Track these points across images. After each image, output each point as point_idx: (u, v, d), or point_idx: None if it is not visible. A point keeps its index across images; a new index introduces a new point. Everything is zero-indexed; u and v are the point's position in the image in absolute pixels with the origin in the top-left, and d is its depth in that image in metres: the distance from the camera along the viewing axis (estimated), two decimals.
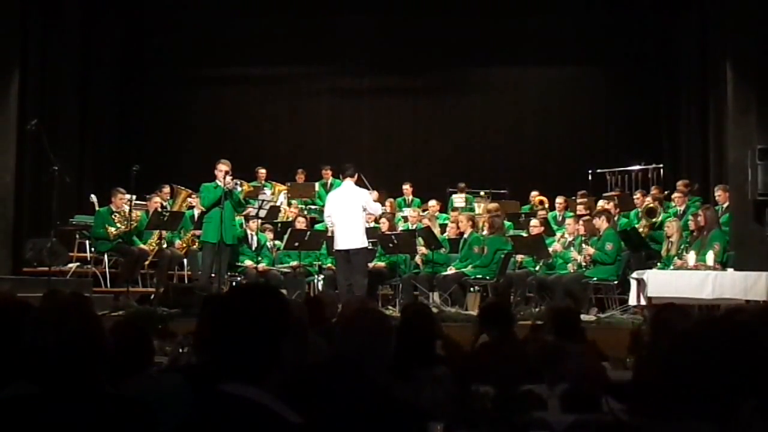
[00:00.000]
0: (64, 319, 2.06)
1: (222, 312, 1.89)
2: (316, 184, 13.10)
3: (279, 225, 11.20)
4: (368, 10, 14.24)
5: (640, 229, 9.86)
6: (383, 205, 11.24)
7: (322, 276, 10.27)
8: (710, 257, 8.48)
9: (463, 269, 9.83)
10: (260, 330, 1.81)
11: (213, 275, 9.25)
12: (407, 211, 12.19)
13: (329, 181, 12.86)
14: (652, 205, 10.32)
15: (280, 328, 1.84)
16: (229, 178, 9.15)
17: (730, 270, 8.46)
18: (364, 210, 9.12)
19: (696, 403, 1.57)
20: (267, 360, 1.80)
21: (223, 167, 9.21)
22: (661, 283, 8.27)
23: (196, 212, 10.39)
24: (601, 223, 9.56)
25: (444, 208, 12.62)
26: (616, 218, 10.18)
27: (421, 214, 11.58)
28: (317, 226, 11.06)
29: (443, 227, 11.35)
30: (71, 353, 2.02)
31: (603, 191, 12.02)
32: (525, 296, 9.66)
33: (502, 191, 13.24)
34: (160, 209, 10.23)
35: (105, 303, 8.68)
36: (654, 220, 10.10)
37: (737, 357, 1.60)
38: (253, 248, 10.33)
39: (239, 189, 9.51)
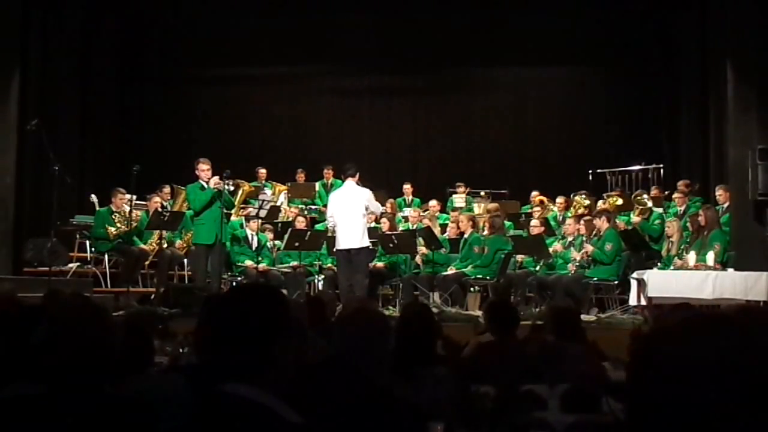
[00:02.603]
0: (83, 319, 2.07)
1: (222, 312, 1.89)
2: (317, 184, 13.10)
3: (279, 225, 11.20)
4: (368, 10, 14.23)
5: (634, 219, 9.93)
6: (383, 205, 11.24)
7: (322, 276, 10.26)
8: (710, 257, 8.48)
9: (464, 269, 9.83)
10: (260, 330, 1.81)
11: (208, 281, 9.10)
12: (407, 211, 12.19)
13: (330, 182, 12.86)
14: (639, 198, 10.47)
15: (280, 328, 1.84)
16: (216, 178, 8.97)
17: (730, 270, 8.46)
18: (367, 209, 9.11)
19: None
20: (267, 360, 1.80)
21: (204, 166, 9.06)
22: (662, 283, 8.27)
23: None
24: (601, 223, 9.56)
25: (444, 208, 12.62)
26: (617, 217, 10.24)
27: (421, 214, 11.58)
28: (317, 226, 11.07)
29: (443, 227, 11.35)
30: (87, 353, 2.02)
31: (603, 191, 12.02)
32: (525, 296, 9.66)
33: (502, 191, 13.24)
34: (160, 209, 10.21)
35: (105, 303, 8.65)
36: (644, 205, 10.20)
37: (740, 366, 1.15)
38: (253, 248, 10.30)
39: (230, 188, 9.35)
